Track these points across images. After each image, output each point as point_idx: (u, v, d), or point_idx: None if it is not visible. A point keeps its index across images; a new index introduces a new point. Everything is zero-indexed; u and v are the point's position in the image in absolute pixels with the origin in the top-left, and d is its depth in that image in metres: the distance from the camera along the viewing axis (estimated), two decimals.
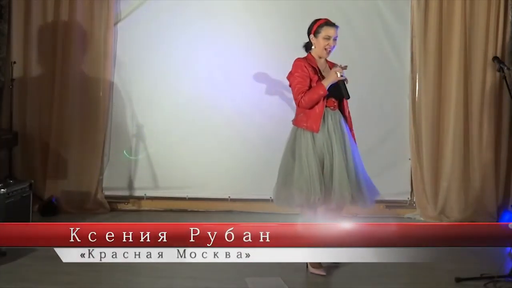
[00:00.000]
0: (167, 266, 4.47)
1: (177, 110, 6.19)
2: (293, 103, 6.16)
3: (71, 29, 6.02)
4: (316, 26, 4.35)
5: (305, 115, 4.30)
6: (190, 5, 6.14)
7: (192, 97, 6.18)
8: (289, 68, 6.17)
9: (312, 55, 4.40)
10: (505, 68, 4.47)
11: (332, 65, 4.39)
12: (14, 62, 5.79)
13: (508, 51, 6.01)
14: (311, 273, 4.37)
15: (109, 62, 6.09)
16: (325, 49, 4.32)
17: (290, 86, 4.37)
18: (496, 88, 6.04)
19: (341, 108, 4.39)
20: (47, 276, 4.18)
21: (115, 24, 6.12)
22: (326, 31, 4.31)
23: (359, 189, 4.29)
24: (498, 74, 5.54)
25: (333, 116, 4.32)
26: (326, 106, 4.29)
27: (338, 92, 4.29)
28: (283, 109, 6.15)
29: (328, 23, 4.33)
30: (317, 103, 4.23)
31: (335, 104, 4.33)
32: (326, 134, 4.27)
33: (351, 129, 4.41)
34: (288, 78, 4.37)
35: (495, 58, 4.62)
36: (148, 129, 6.19)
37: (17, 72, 5.84)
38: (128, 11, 6.15)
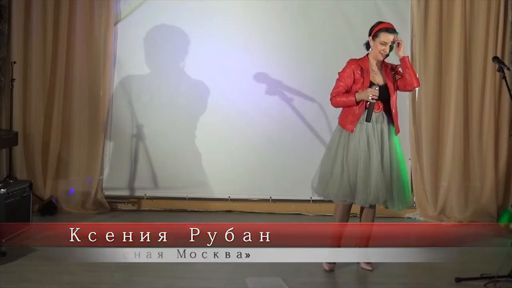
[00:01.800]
0: (167, 266, 4.48)
1: (177, 110, 6.19)
2: (293, 103, 6.22)
3: (71, 29, 6.01)
4: (376, 30, 4.40)
5: (345, 114, 4.42)
6: (190, 5, 6.14)
7: (192, 97, 6.18)
8: (289, 68, 6.23)
9: (367, 56, 4.47)
10: (505, 68, 4.45)
11: (386, 67, 4.45)
12: (14, 62, 5.79)
13: (508, 51, 6.01)
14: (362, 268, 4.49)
15: (109, 62, 6.09)
16: (380, 53, 4.39)
17: (335, 82, 4.48)
18: (496, 88, 6.04)
19: (389, 110, 4.41)
20: (47, 276, 4.18)
21: (115, 24, 6.12)
22: (384, 36, 4.36)
23: (390, 192, 4.32)
24: (498, 74, 5.54)
25: (376, 118, 4.36)
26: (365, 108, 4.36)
27: (384, 95, 4.35)
28: (283, 109, 6.17)
29: (388, 29, 4.37)
30: (348, 106, 4.35)
31: (379, 106, 4.37)
32: (364, 136, 4.33)
33: (396, 128, 4.44)
34: (338, 74, 4.47)
35: (495, 58, 4.61)
36: (148, 129, 6.19)
37: (17, 72, 5.84)
38: (128, 11, 6.15)
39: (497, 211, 6.05)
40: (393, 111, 4.41)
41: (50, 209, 5.86)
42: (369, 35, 4.43)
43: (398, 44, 4.40)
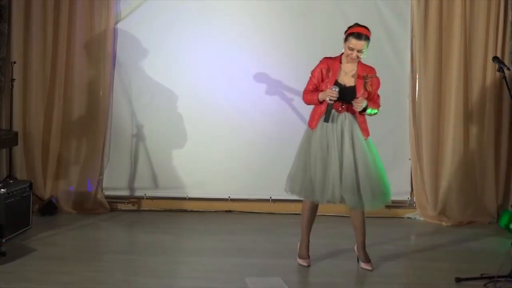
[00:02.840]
0: (167, 266, 4.50)
1: (177, 110, 6.19)
2: (293, 103, 6.23)
3: (71, 29, 6.01)
4: (347, 34, 4.42)
5: (312, 112, 4.53)
6: (190, 5, 6.14)
7: (192, 97, 6.18)
8: (288, 68, 6.24)
9: (341, 57, 4.51)
10: (505, 68, 4.46)
11: (362, 70, 4.44)
12: (14, 62, 5.78)
13: (508, 51, 6.01)
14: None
15: (109, 62, 6.08)
16: (349, 57, 4.40)
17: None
18: (496, 88, 6.04)
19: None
20: (47, 276, 4.18)
21: (115, 24, 6.12)
22: (351, 42, 4.37)
23: (352, 191, 4.32)
24: (498, 74, 5.54)
25: (337, 118, 4.38)
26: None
27: (348, 96, 4.37)
28: (283, 109, 6.17)
29: (356, 35, 4.36)
30: (314, 104, 4.49)
31: (342, 106, 4.40)
32: (324, 134, 4.39)
33: (365, 129, 4.46)
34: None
35: (495, 58, 4.61)
36: (148, 129, 6.19)
37: (17, 72, 5.84)
38: (128, 11, 6.14)
39: (497, 211, 6.05)
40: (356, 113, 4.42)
41: (50, 209, 5.86)
42: (344, 34, 4.46)
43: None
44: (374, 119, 6.10)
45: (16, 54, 5.90)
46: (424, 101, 6.09)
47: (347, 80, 4.42)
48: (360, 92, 4.38)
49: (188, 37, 6.15)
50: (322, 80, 4.44)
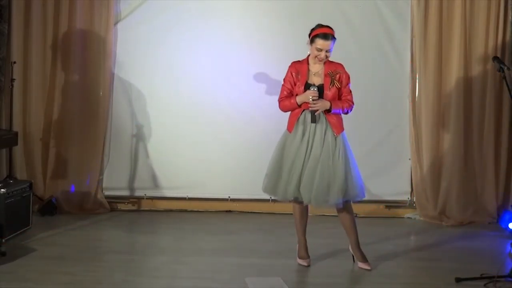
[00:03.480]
0: (167, 266, 4.50)
1: (177, 110, 6.19)
2: None
3: (71, 29, 6.01)
4: (313, 35, 4.45)
5: (289, 116, 4.57)
6: (190, 5, 6.14)
7: (192, 97, 6.18)
8: None
9: (308, 59, 4.55)
10: (505, 68, 4.46)
11: (328, 68, 4.45)
12: (14, 62, 5.78)
13: (508, 51, 6.01)
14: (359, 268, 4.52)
15: (109, 62, 6.08)
16: (317, 58, 4.44)
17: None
18: (496, 88, 6.04)
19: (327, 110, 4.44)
20: (47, 276, 4.18)
21: (115, 24, 6.12)
22: (318, 43, 4.40)
23: (311, 189, 4.35)
24: (498, 74, 5.54)
25: (319, 118, 4.42)
26: (304, 109, 4.45)
27: (319, 96, 4.40)
28: None
29: (323, 36, 4.39)
30: (293, 109, 4.50)
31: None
32: (300, 136, 4.45)
33: (337, 127, 4.43)
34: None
35: (495, 58, 4.61)
36: (148, 129, 6.19)
37: (17, 72, 5.84)
38: (128, 11, 6.14)
39: (497, 211, 6.05)
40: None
41: (50, 209, 5.86)
42: (308, 36, 4.49)
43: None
44: (374, 119, 6.16)
45: (16, 54, 5.90)
46: (424, 101, 6.09)
47: (316, 80, 4.47)
48: (327, 89, 4.41)
49: (188, 37, 6.15)
50: (294, 84, 4.49)
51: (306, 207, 4.59)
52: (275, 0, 6.14)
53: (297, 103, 4.44)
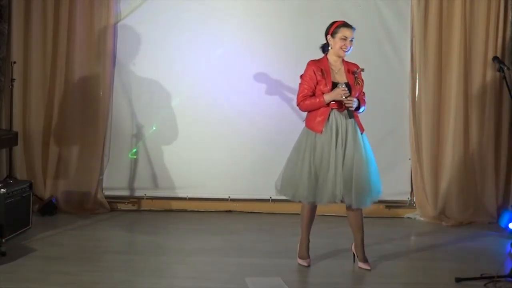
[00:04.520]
0: (167, 266, 4.50)
1: (177, 110, 6.19)
2: (293, 103, 6.21)
3: (71, 29, 6.01)
4: (334, 27, 4.45)
5: (312, 116, 4.44)
6: (190, 5, 6.14)
7: (192, 97, 6.18)
8: (288, 68, 6.23)
9: (327, 57, 4.50)
10: (505, 68, 4.46)
11: (348, 66, 4.48)
12: (14, 62, 5.78)
13: (508, 51, 6.01)
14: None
15: (109, 62, 6.08)
16: (342, 48, 4.42)
17: (299, 86, 4.52)
18: (496, 88, 6.04)
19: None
20: (47, 276, 4.18)
21: (115, 24, 6.12)
22: (343, 31, 4.41)
23: (351, 188, 4.33)
24: (498, 74, 5.54)
25: (338, 117, 4.39)
26: (332, 108, 4.38)
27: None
28: (283, 109, 6.17)
29: (345, 24, 4.44)
30: (318, 108, 4.38)
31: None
32: (329, 136, 4.36)
33: (360, 125, 4.46)
34: (300, 78, 4.52)
35: (495, 58, 4.61)
36: (148, 129, 6.19)
37: (17, 72, 5.84)
38: (128, 11, 6.14)
39: (497, 211, 6.05)
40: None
41: (50, 209, 5.86)
42: (326, 35, 4.49)
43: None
44: (374, 119, 6.15)
45: (16, 54, 5.90)
46: (424, 101, 6.10)
47: (339, 78, 4.45)
48: (353, 87, 4.41)
49: (188, 37, 6.15)
50: (317, 83, 4.42)
51: (315, 207, 4.54)
52: (275, 0, 6.14)
53: (325, 101, 4.34)
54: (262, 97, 6.16)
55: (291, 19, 6.16)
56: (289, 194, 4.50)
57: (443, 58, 6.10)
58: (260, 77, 6.15)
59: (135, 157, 6.16)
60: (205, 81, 6.17)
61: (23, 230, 5.01)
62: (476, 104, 6.05)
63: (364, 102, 4.52)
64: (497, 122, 6.06)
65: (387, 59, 6.20)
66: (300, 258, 4.59)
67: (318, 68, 4.42)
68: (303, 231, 4.60)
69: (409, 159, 6.18)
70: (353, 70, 4.46)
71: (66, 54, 6.02)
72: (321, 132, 4.36)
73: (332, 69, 4.46)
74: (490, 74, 6.01)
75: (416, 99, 6.16)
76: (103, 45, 6.05)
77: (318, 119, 4.38)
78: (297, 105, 4.50)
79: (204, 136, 6.19)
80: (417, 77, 6.13)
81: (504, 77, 4.46)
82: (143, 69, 6.17)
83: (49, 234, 5.21)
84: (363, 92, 4.56)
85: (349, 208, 4.45)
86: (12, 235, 4.82)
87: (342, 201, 4.41)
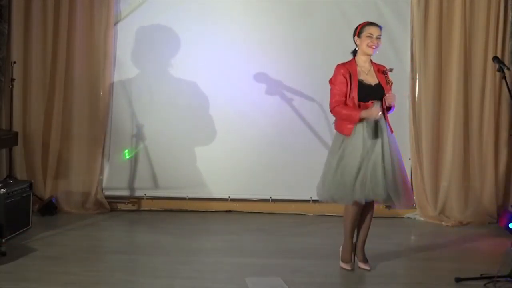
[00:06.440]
0: (167, 266, 4.50)
1: (177, 110, 6.19)
2: (293, 103, 6.23)
3: (71, 29, 6.01)
4: (360, 27, 4.47)
5: (341, 122, 4.42)
6: (190, 5, 6.14)
7: (191, 97, 6.18)
8: (288, 68, 6.24)
9: (355, 59, 4.48)
10: (505, 68, 4.46)
11: (377, 67, 4.48)
12: (14, 62, 5.78)
13: (508, 51, 6.01)
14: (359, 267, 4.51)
15: (109, 62, 6.08)
16: (369, 46, 4.41)
17: (330, 91, 4.46)
18: (496, 88, 6.04)
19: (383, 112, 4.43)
20: (47, 276, 4.18)
21: (115, 24, 6.12)
22: (368, 30, 4.42)
23: (396, 188, 4.33)
24: (498, 74, 5.54)
25: (369, 121, 4.36)
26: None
27: (378, 94, 4.38)
28: (283, 109, 6.17)
29: (370, 23, 4.46)
30: (352, 122, 4.34)
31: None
32: (360, 139, 4.34)
33: (390, 125, 4.46)
34: (330, 83, 4.46)
35: (495, 58, 4.61)
36: (148, 129, 6.19)
37: (17, 72, 5.84)
38: (128, 11, 6.14)
39: (497, 211, 6.05)
40: (386, 114, 4.45)
41: (50, 209, 5.86)
42: (354, 36, 4.48)
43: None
44: None
45: (16, 54, 5.90)
46: (424, 101, 6.10)
47: (370, 78, 4.42)
48: (385, 87, 4.41)
49: (188, 37, 6.15)
50: (346, 85, 4.37)
51: (360, 208, 4.43)
52: (275, 0, 6.14)
53: (360, 118, 4.27)
54: (262, 97, 6.16)
55: (291, 19, 6.16)
56: (326, 198, 4.43)
57: (443, 58, 6.10)
58: (260, 77, 6.15)
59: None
60: (205, 81, 6.17)
61: (23, 230, 5.01)
62: (476, 104, 6.05)
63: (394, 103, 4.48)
64: (497, 122, 6.06)
65: (387, 59, 6.17)
66: (342, 261, 4.51)
67: (347, 71, 4.39)
68: (348, 233, 4.49)
69: (409, 159, 6.17)
70: (383, 70, 4.45)
71: (66, 54, 6.02)
72: (349, 135, 4.32)
73: (361, 71, 4.43)
74: (490, 74, 6.00)
75: (416, 99, 6.16)
76: (103, 45, 6.05)
77: (348, 125, 4.34)
78: (331, 111, 4.42)
79: (204, 136, 6.18)
80: (417, 77, 6.13)
81: (504, 77, 4.45)
82: (143, 69, 6.17)
83: (49, 234, 5.21)
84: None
85: (367, 206, 4.43)
86: (12, 235, 4.82)
87: (385, 201, 4.40)
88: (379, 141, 4.35)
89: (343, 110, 4.34)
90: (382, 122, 4.38)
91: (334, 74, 4.44)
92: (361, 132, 4.33)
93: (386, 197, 4.33)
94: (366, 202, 4.36)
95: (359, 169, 4.29)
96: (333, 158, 4.38)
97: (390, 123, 4.47)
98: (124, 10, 6.15)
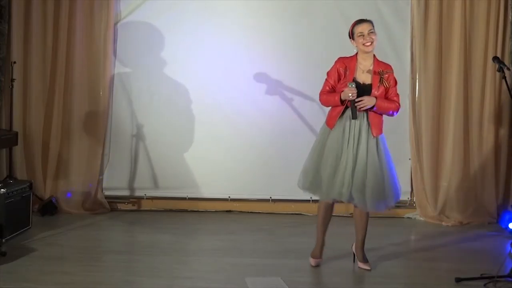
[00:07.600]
0: (167, 266, 4.50)
1: (177, 110, 6.19)
2: (293, 103, 6.23)
3: (71, 29, 6.01)
4: (351, 29, 4.45)
5: (330, 111, 4.46)
6: (190, 5, 6.14)
7: (192, 97, 6.18)
8: (288, 68, 6.24)
9: (356, 56, 4.47)
10: (505, 68, 4.46)
11: (378, 67, 4.42)
12: (14, 62, 5.78)
13: (508, 51, 6.01)
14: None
15: (109, 62, 6.08)
16: (364, 44, 4.38)
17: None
18: (496, 88, 6.04)
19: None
20: (47, 276, 4.18)
21: (115, 24, 6.12)
22: (357, 29, 4.40)
23: (363, 191, 4.30)
24: (498, 74, 5.54)
25: (352, 121, 4.35)
26: (347, 106, 4.35)
27: (365, 94, 4.34)
28: (283, 109, 6.17)
29: (358, 21, 4.43)
30: (335, 106, 4.38)
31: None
32: (341, 132, 4.35)
33: (376, 127, 4.39)
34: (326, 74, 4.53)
35: (495, 58, 4.61)
36: (148, 129, 6.19)
37: (17, 72, 5.84)
38: (128, 11, 6.14)
39: (497, 211, 6.05)
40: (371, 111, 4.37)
41: (50, 209, 5.86)
42: (349, 36, 4.47)
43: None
44: None
45: (16, 54, 5.90)
46: (424, 101, 6.10)
47: (364, 77, 4.40)
48: (375, 88, 4.36)
49: (188, 37, 6.15)
50: (339, 80, 4.39)
51: (332, 206, 4.51)
52: (275, 0, 6.14)
53: (340, 99, 4.31)
54: (262, 97, 6.16)
55: (291, 19, 6.16)
56: (299, 183, 4.48)
57: (443, 58, 6.10)
58: (260, 77, 6.15)
59: None
60: (205, 81, 6.17)
61: (23, 230, 5.01)
62: (476, 104, 6.05)
63: (395, 104, 4.44)
64: (497, 122, 6.06)
65: (387, 59, 6.16)
66: (312, 257, 4.56)
67: (343, 65, 4.40)
68: (319, 230, 4.56)
69: (409, 159, 6.18)
70: (379, 70, 4.40)
71: (66, 54, 6.02)
72: (332, 127, 4.37)
73: (359, 67, 4.41)
74: (490, 74, 6.01)
75: (416, 99, 6.16)
76: (103, 45, 6.05)
77: (333, 114, 4.40)
78: (319, 98, 4.50)
79: (204, 136, 6.19)
80: (417, 77, 6.13)
81: (504, 77, 4.45)
82: (143, 69, 6.17)
83: (49, 234, 5.21)
84: (397, 94, 4.49)
85: (356, 206, 4.44)
86: (12, 235, 4.82)
87: (349, 201, 4.39)
88: (355, 142, 4.33)
89: (327, 96, 4.42)
90: (364, 124, 4.36)
91: (332, 65, 4.48)
92: (341, 129, 4.34)
93: (349, 198, 4.32)
94: (350, 202, 4.39)
95: (333, 167, 4.32)
96: (314, 150, 4.45)
97: (382, 125, 4.43)
98: (124, 10, 6.15)
